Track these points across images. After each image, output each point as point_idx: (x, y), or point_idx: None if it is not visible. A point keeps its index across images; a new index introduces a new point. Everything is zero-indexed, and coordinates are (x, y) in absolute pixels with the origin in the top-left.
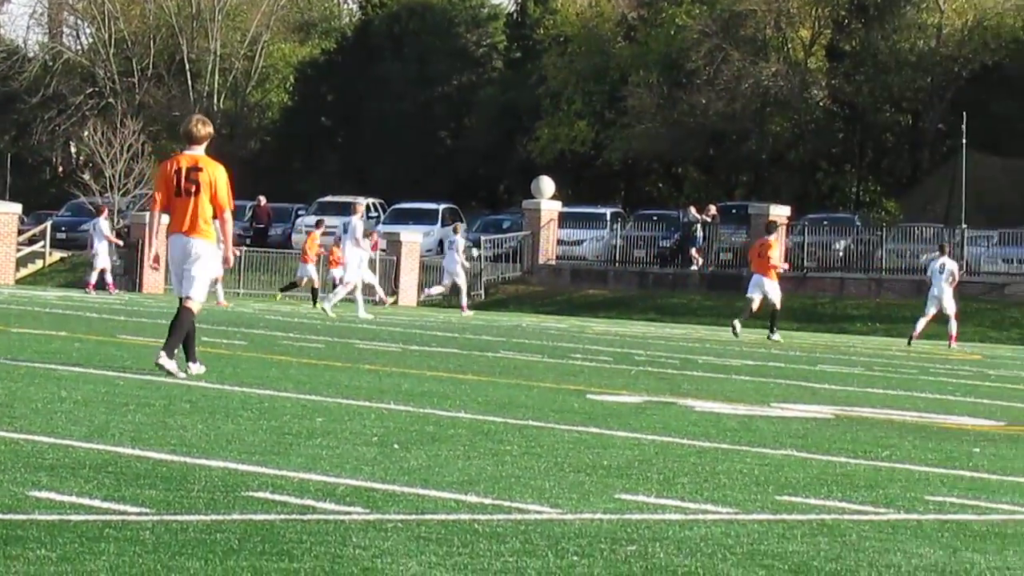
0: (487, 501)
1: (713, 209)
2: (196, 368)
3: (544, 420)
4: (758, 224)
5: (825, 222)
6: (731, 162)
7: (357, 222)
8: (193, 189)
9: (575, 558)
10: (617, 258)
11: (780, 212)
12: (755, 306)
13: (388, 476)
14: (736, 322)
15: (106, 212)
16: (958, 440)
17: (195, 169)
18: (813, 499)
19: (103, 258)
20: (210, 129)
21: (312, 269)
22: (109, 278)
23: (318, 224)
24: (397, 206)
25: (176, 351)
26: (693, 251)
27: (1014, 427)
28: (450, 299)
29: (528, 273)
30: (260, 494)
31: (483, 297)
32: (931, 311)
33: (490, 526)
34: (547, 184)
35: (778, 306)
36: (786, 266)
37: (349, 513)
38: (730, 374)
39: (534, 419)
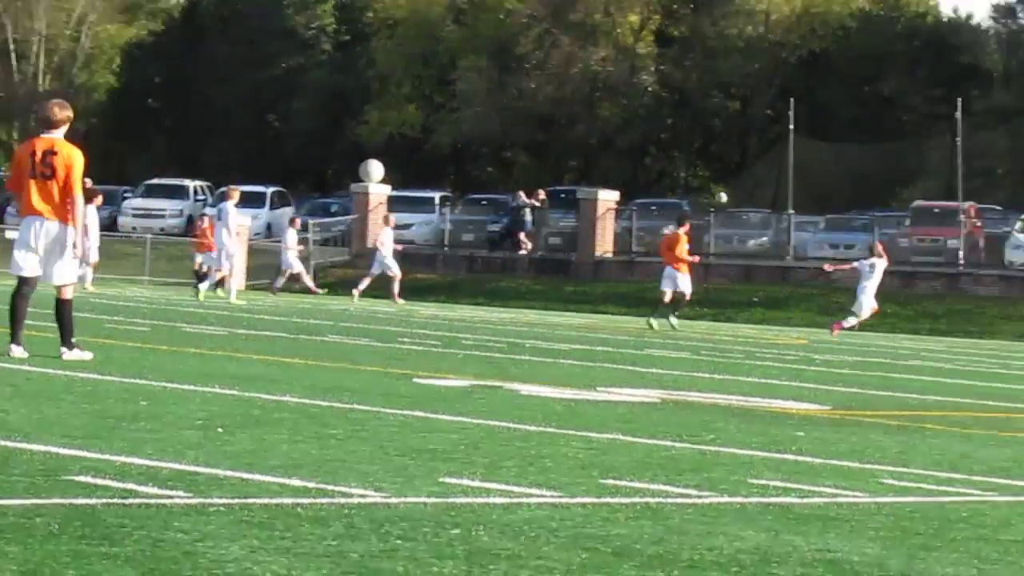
0: (311, 485)
1: (542, 194)
2: (17, 351)
3: (370, 404)
4: (587, 209)
5: (654, 207)
6: (560, 147)
7: (231, 208)
8: (48, 172)
9: (398, 542)
10: (446, 242)
11: (609, 197)
12: (667, 298)
13: (211, 460)
14: (652, 320)
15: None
16: (782, 424)
17: (51, 152)
18: (637, 482)
19: None
20: (68, 113)
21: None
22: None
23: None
24: (224, 189)
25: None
26: (522, 235)
27: (838, 411)
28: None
29: (356, 257)
30: (81, 478)
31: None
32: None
33: (313, 510)
34: (376, 167)
35: (688, 296)
36: (695, 258)
37: (171, 497)
38: (557, 358)
39: (360, 403)
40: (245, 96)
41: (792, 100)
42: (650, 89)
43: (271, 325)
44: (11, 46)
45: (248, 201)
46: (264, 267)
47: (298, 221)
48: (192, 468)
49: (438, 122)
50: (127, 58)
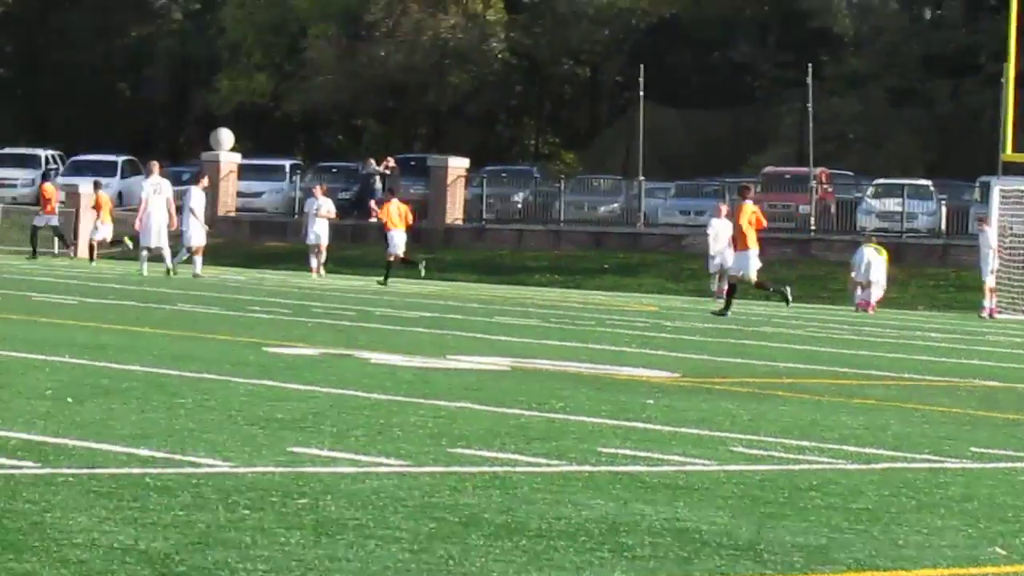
0: (159, 455)
1: (392, 161)
2: None
3: (219, 373)
4: (437, 176)
5: (504, 174)
6: (411, 114)
7: (196, 192)
8: None
9: (246, 512)
10: (296, 210)
11: (459, 164)
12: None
13: (61, 430)
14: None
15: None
16: (632, 392)
17: None
18: (486, 451)
19: None
20: None
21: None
22: None
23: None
24: (76, 158)
25: None
26: (372, 203)
27: (688, 379)
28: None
29: (207, 225)
30: None
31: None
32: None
33: (161, 480)
34: (226, 136)
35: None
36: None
37: (20, 468)
38: (407, 326)
39: (209, 372)
40: (96, 64)
41: (642, 66)
42: (500, 56)
43: (121, 295)
44: None
45: (100, 170)
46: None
47: (324, 187)
48: (41, 438)
49: (288, 90)
50: None
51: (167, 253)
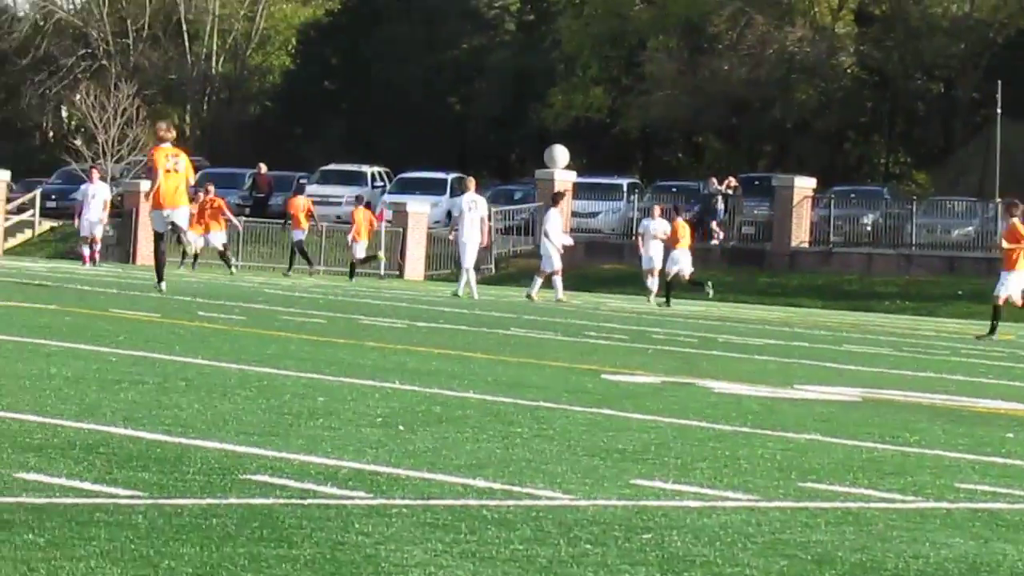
0: (496, 486)
1: (734, 180)
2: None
3: (556, 401)
4: (782, 196)
5: (852, 195)
6: (754, 131)
7: (554, 214)
8: None
9: (588, 546)
10: (634, 231)
11: (805, 184)
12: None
13: (393, 459)
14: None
15: (99, 175)
16: (990, 425)
17: None
18: (838, 486)
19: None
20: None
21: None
22: (96, 246)
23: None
24: (403, 175)
25: None
26: (714, 224)
27: None
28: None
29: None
30: (258, 477)
31: (493, 271)
32: None
33: (499, 512)
34: (561, 153)
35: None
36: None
37: (351, 498)
38: (752, 354)
39: (546, 400)
40: (424, 78)
41: (999, 82)
42: (849, 71)
43: (451, 318)
44: (184, 27)
45: (428, 188)
46: (444, 256)
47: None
48: (373, 467)
49: (626, 105)
50: (302, 39)
51: (472, 276)
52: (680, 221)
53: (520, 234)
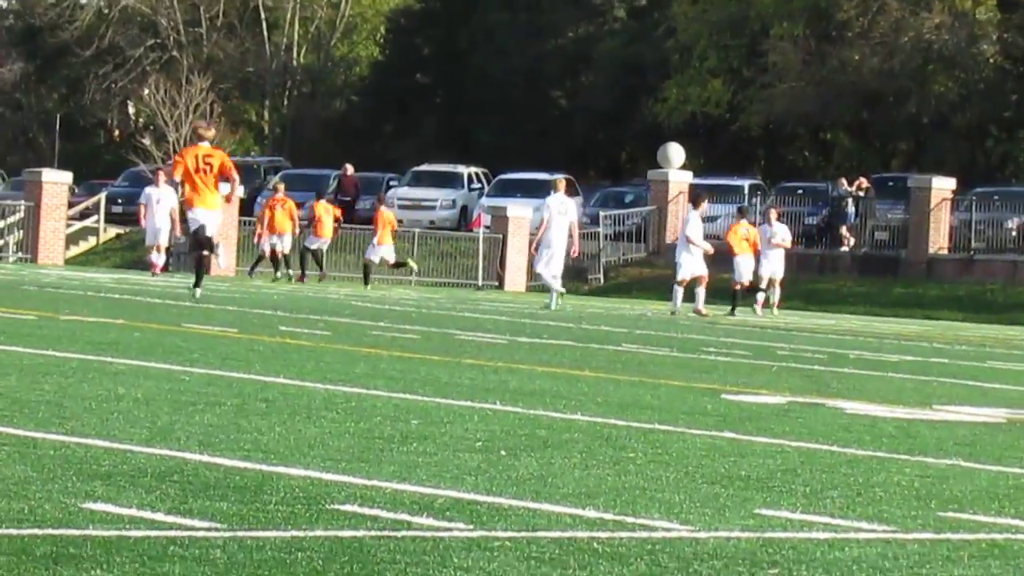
0: (608, 517)
1: (865, 181)
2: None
3: (673, 423)
4: (918, 199)
5: (996, 196)
6: (887, 127)
7: (694, 216)
8: None
9: None
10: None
11: (944, 185)
12: None
13: (494, 487)
14: None
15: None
16: None
17: None
18: (982, 516)
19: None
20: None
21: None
22: (160, 257)
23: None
24: (503, 176)
25: None
26: (843, 230)
27: None
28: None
29: (654, 254)
30: (347, 507)
31: (602, 281)
32: None
33: (611, 545)
34: (676, 152)
35: None
36: None
37: (450, 530)
38: (887, 371)
39: (661, 422)
40: (526, 70)
41: None
42: (991, 60)
43: (556, 332)
44: (263, 14)
45: (530, 190)
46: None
47: (779, 211)
48: (472, 496)
49: (747, 99)
50: (392, 27)
51: (557, 285)
52: (742, 223)
53: (631, 240)
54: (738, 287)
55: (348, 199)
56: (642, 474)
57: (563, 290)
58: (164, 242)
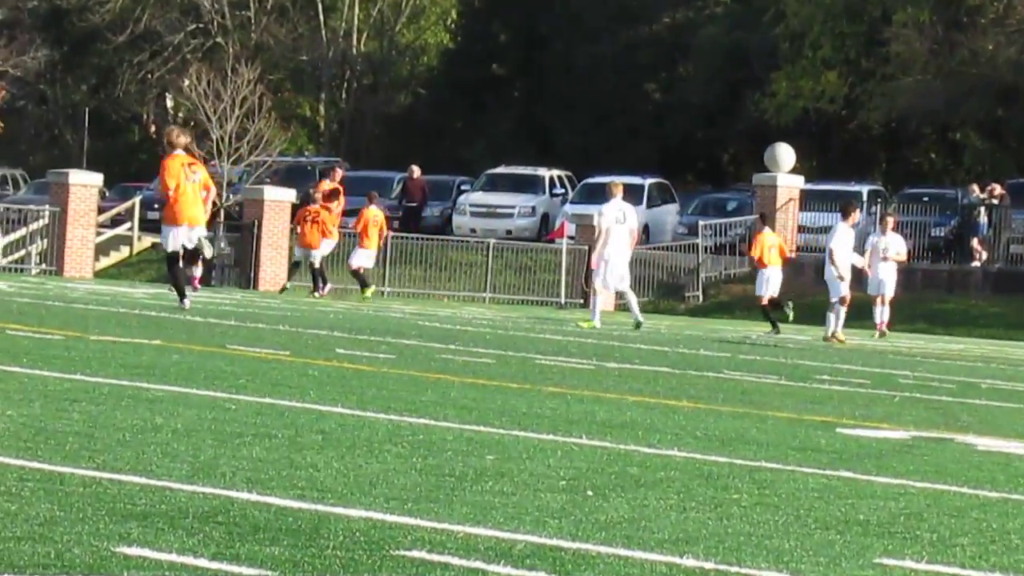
0: (708, 565)
1: (998, 188)
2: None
3: (782, 461)
4: None
5: None
6: None
7: (844, 228)
8: None
9: None
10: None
11: None
12: None
13: (580, 531)
14: None
15: None
16: None
17: None
18: None
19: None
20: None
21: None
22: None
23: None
24: (590, 180)
25: None
26: (975, 242)
27: None
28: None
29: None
30: (413, 553)
31: (701, 300)
32: None
33: None
34: (785, 153)
35: None
36: None
37: None
38: (1023, 403)
39: (769, 460)
40: (616, 60)
41: None
42: None
43: (649, 357)
44: None
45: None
46: (640, 280)
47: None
48: (555, 542)
49: (866, 94)
50: (465, 11)
51: (632, 298)
52: (766, 232)
53: (734, 253)
54: (766, 302)
55: (414, 204)
56: (747, 518)
57: (599, 310)
58: (206, 253)
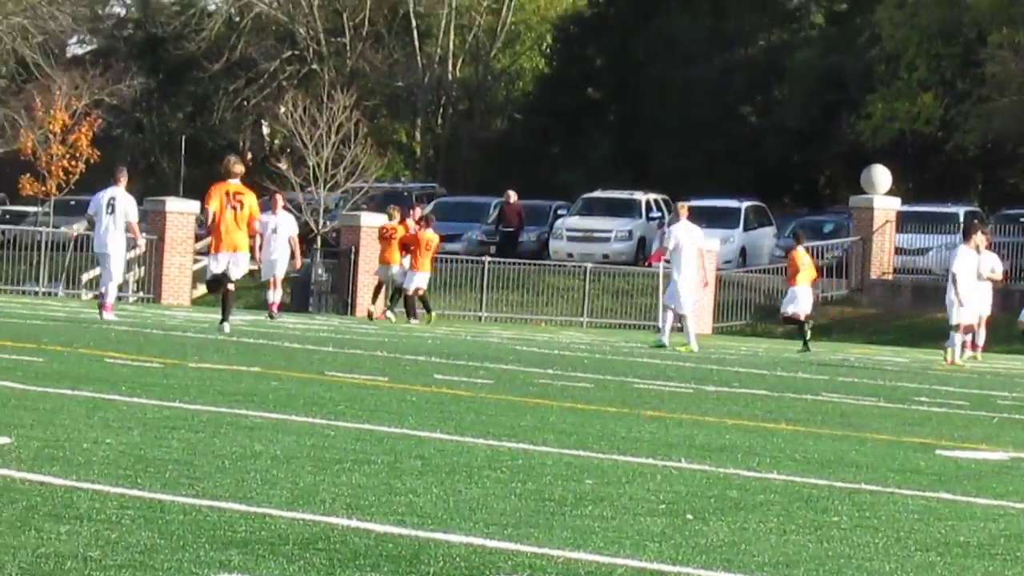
0: None
1: None
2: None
3: (881, 483)
4: None
5: None
6: None
7: (965, 253)
8: None
9: None
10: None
11: None
12: None
13: (680, 555)
14: None
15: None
16: None
17: None
18: None
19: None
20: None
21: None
22: (274, 293)
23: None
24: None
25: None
26: None
27: None
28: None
29: (857, 291)
30: None
31: None
32: None
33: None
34: (881, 175)
35: None
36: None
37: None
38: None
39: (868, 482)
40: (711, 83)
41: None
42: None
43: (747, 380)
44: (413, 22)
45: (716, 219)
46: (737, 304)
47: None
48: (656, 566)
49: (962, 115)
50: (560, 36)
51: (691, 324)
52: (799, 251)
53: (831, 276)
54: (803, 317)
55: (511, 229)
56: (847, 540)
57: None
58: (280, 275)
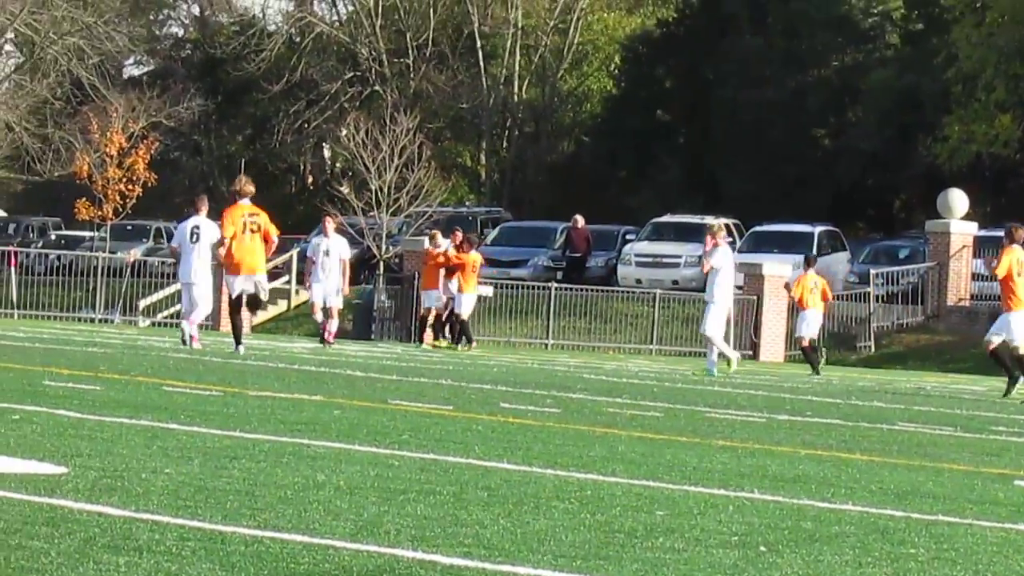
0: None
1: None
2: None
3: (959, 514)
4: None
5: None
6: None
7: None
8: None
9: None
10: None
11: None
12: None
13: None
14: None
15: (334, 226)
16: None
17: None
18: None
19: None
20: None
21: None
22: (332, 323)
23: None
24: (757, 228)
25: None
26: None
27: None
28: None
29: (933, 318)
30: None
31: (873, 350)
32: None
33: None
34: (958, 199)
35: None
36: None
37: None
38: None
39: (945, 513)
40: (784, 105)
41: None
42: None
43: (821, 409)
44: (478, 42)
45: (789, 244)
46: None
47: None
48: None
49: None
50: (629, 56)
51: (714, 346)
52: (810, 274)
53: (907, 302)
54: (806, 343)
55: (578, 255)
56: (925, 573)
57: (734, 355)
58: (340, 305)
